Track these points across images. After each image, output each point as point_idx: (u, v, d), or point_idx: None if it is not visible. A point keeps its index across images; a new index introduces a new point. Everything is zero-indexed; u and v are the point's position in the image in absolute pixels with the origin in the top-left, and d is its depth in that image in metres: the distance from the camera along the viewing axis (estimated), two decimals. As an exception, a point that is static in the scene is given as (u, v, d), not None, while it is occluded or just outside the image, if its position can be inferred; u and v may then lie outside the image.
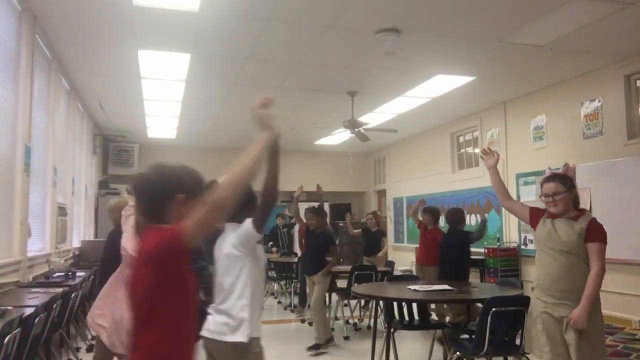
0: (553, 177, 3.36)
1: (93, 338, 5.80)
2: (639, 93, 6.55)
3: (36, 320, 3.11)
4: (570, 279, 3.11)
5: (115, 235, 3.50)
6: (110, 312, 3.08)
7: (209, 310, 2.52)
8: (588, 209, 6.88)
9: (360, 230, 8.79)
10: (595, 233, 3.11)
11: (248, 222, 2.48)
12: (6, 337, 2.51)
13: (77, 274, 5.49)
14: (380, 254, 8.06)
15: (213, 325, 2.47)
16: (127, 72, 6.84)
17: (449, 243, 6.09)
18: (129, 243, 3.02)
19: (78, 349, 5.20)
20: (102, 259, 4.08)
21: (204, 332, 2.47)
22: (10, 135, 4.81)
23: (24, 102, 5.04)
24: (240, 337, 2.38)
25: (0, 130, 4.55)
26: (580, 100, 7.17)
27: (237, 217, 2.51)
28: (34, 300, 3.78)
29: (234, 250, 2.50)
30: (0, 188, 4.59)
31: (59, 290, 4.20)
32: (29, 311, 3.13)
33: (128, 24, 5.27)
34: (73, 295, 4.42)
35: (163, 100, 8.32)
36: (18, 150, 4.95)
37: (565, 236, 3.17)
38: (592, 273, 3.04)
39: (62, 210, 7.10)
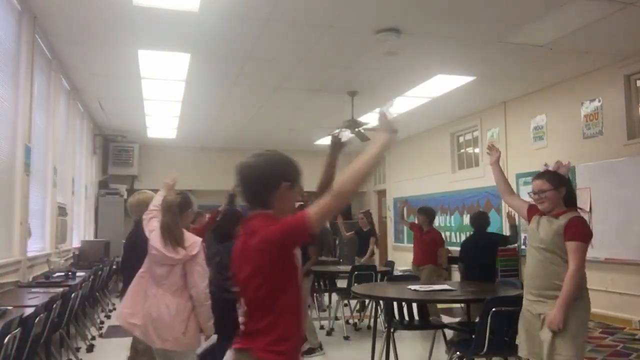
0: (542, 174, 3.24)
1: (93, 338, 5.81)
2: (639, 93, 6.55)
3: (36, 320, 3.10)
4: (545, 276, 3.04)
5: (137, 234, 3.50)
6: (142, 310, 3.11)
7: None
8: (588, 209, 6.89)
9: (352, 232, 8.65)
10: (573, 231, 2.98)
11: None
12: (6, 337, 2.51)
13: (77, 274, 5.48)
14: (365, 257, 7.65)
15: None
16: (127, 72, 6.84)
17: (476, 245, 6.00)
18: (158, 242, 3.08)
19: (78, 349, 5.20)
20: (124, 259, 4.06)
21: None
22: (10, 135, 4.81)
23: (24, 102, 5.04)
24: None
25: (0, 130, 4.55)
26: (580, 100, 7.17)
27: None
28: (34, 300, 3.77)
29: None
30: (0, 188, 4.59)
31: (59, 290, 4.20)
32: (29, 311, 3.13)
33: (128, 24, 5.27)
34: (73, 295, 4.41)
35: (163, 100, 8.32)
36: (18, 150, 4.95)
37: (543, 233, 3.09)
38: (567, 273, 2.95)
39: (62, 210, 7.11)
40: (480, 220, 6.12)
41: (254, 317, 1.73)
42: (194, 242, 3.15)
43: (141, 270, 3.25)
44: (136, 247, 3.47)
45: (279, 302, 1.70)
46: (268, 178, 1.81)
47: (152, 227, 3.20)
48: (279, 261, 1.67)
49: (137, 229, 3.54)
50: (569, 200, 3.19)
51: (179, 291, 3.09)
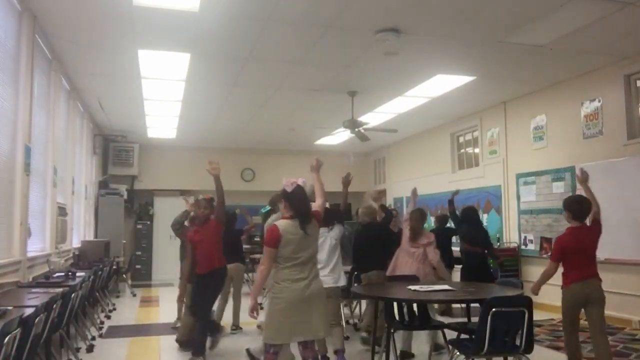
0: None
1: (93, 338, 5.81)
2: (639, 93, 6.55)
3: (36, 320, 3.10)
4: None
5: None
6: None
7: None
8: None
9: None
10: None
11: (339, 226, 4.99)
12: (6, 337, 2.51)
13: (77, 274, 5.47)
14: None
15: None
16: (127, 72, 6.84)
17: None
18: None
19: (78, 349, 5.20)
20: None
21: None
22: (10, 135, 4.81)
23: (24, 102, 5.04)
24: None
25: (0, 130, 4.55)
26: (580, 100, 7.18)
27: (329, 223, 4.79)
28: (34, 300, 3.77)
29: (333, 240, 4.83)
30: (0, 188, 4.59)
31: (59, 290, 4.19)
32: (29, 311, 3.12)
33: (128, 24, 5.27)
34: (73, 295, 4.41)
35: (163, 100, 8.32)
36: (18, 150, 4.95)
37: None
38: None
39: (62, 210, 7.10)
40: (470, 213, 6.39)
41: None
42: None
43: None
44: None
45: None
46: None
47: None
48: None
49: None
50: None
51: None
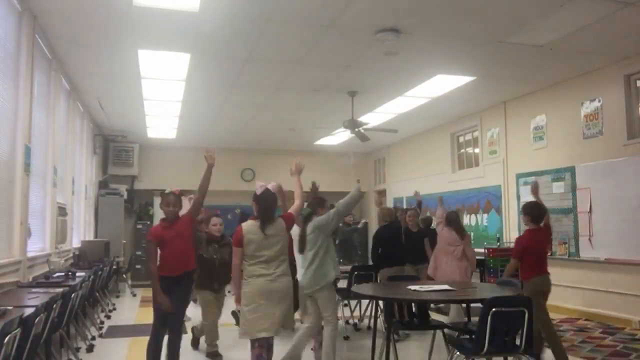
0: None
1: (93, 338, 5.81)
2: (639, 93, 6.55)
3: (36, 320, 3.10)
4: None
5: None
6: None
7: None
8: (588, 209, 6.90)
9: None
10: None
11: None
12: (6, 337, 2.51)
13: (77, 274, 5.47)
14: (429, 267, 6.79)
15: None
16: (127, 72, 6.84)
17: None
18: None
19: (78, 349, 5.20)
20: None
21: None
22: (10, 135, 4.81)
23: (24, 102, 5.04)
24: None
25: (0, 130, 4.55)
26: (580, 100, 7.18)
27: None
28: (34, 300, 3.77)
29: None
30: (0, 188, 4.59)
31: (59, 290, 4.19)
32: (29, 311, 3.12)
33: (128, 24, 5.27)
34: (73, 295, 4.41)
35: (163, 100, 8.32)
36: (18, 150, 4.95)
37: None
38: None
39: (62, 210, 7.10)
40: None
41: None
42: None
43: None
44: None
45: None
46: None
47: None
48: None
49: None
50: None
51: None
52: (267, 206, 3.87)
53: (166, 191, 4.19)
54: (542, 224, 4.77)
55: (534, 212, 4.78)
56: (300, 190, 4.13)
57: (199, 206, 4.35)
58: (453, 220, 6.16)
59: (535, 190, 5.11)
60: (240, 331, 3.83)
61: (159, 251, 4.15)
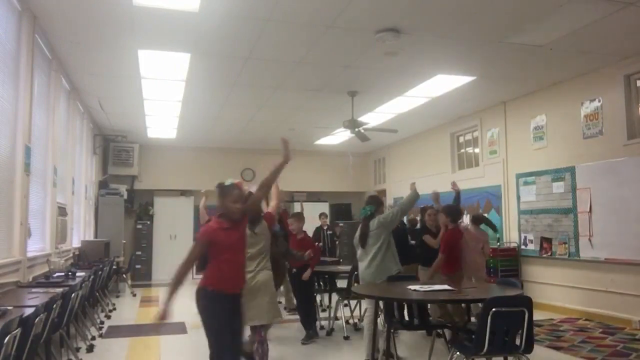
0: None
1: (93, 338, 5.81)
2: (639, 93, 6.55)
3: (36, 320, 3.10)
4: None
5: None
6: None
7: None
8: (588, 209, 6.90)
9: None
10: None
11: None
12: (6, 337, 2.51)
13: (77, 274, 5.48)
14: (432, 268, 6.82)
15: None
16: (127, 72, 6.84)
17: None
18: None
19: (78, 349, 5.20)
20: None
21: None
22: (10, 135, 4.81)
23: (24, 102, 5.04)
24: None
25: (0, 130, 4.55)
26: (580, 100, 7.18)
27: None
28: (34, 300, 3.77)
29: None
30: (0, 188, 4.59)
31: (59, 290, 4.20)
32: (29, 311, 3.12)
33: (128, 24, 5.27)
34: (73, 295, 4.41)
35: (163, 100, 8.32)
36: (18, 150, 4.94)
37: None
38: None
39: (62, 210, 7.10)
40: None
41: None
42: None
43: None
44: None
45: None
46: None
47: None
48: None
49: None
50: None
51: None
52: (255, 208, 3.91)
53: (226, 183, 3.40)
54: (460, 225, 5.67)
55: (456, 214, 5.60)
56: (277, 191, 4.42)
57: (259, 202, 3.94)
58: (482, 218, 6.76)
59: (436, 199, 5.92)
60: None
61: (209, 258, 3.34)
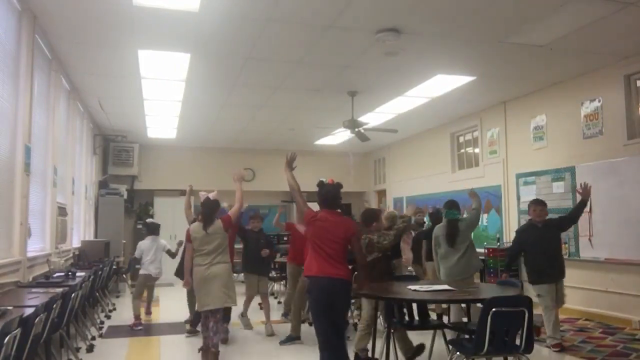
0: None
1: (93, 338, 5.81)
2: (639, 93, 6.55)
3: (36, 320, 3.10)
4: None
5: None
6: None
7: None
8: (588, 209, 6.89)
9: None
10: None
11: None
12: (6, 337, 2.51)
13: (77, 274, 5.48)
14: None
15: None
16: (127, 72, 6.84)
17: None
18: None
19: (78, 349, 5.20)
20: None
21: None
22: (10, 135, 4.81)
23: (24, 102, 5.04)
24: None
25: (0, 130, 4.55)
26: (580, 100, 7.18)
27: None
28: (34, 300, 3.77)
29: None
30: (0, 188, 4.58)
31: (59, 290, 4.20)
32: (29, 311, 3.12)
33: (128, 24, 5.27)
34: (73, 295, 4.41)
35: (163, 100, 8.32)
36: (18, 150, 4.94)
37: None
38: None
39: (62, 210, 7.10)
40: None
41: None
42: None
43: None
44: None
45: None
46: None
47: None
48: None
49: None
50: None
51: None
52: (208, 211, 4.86)
53: (325, 181, 4.48)
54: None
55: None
56: (240, 195, 5.06)
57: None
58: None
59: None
60: (196, 306, 4.99)
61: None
